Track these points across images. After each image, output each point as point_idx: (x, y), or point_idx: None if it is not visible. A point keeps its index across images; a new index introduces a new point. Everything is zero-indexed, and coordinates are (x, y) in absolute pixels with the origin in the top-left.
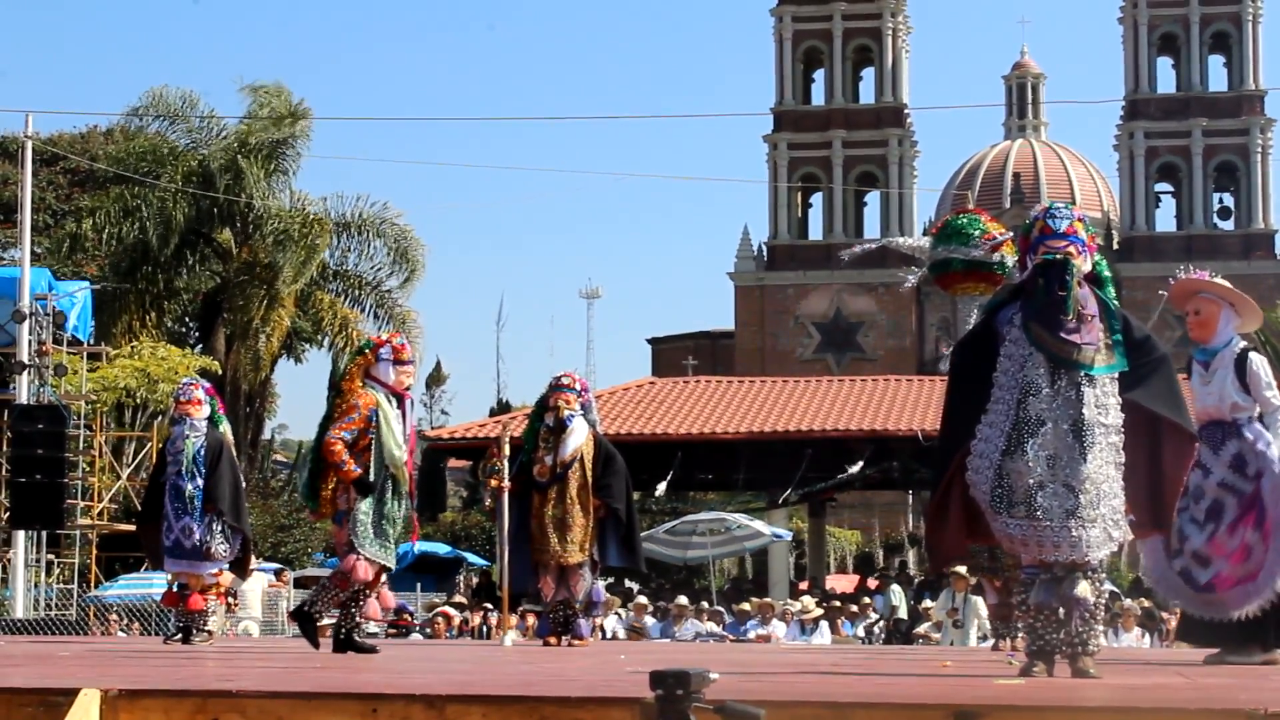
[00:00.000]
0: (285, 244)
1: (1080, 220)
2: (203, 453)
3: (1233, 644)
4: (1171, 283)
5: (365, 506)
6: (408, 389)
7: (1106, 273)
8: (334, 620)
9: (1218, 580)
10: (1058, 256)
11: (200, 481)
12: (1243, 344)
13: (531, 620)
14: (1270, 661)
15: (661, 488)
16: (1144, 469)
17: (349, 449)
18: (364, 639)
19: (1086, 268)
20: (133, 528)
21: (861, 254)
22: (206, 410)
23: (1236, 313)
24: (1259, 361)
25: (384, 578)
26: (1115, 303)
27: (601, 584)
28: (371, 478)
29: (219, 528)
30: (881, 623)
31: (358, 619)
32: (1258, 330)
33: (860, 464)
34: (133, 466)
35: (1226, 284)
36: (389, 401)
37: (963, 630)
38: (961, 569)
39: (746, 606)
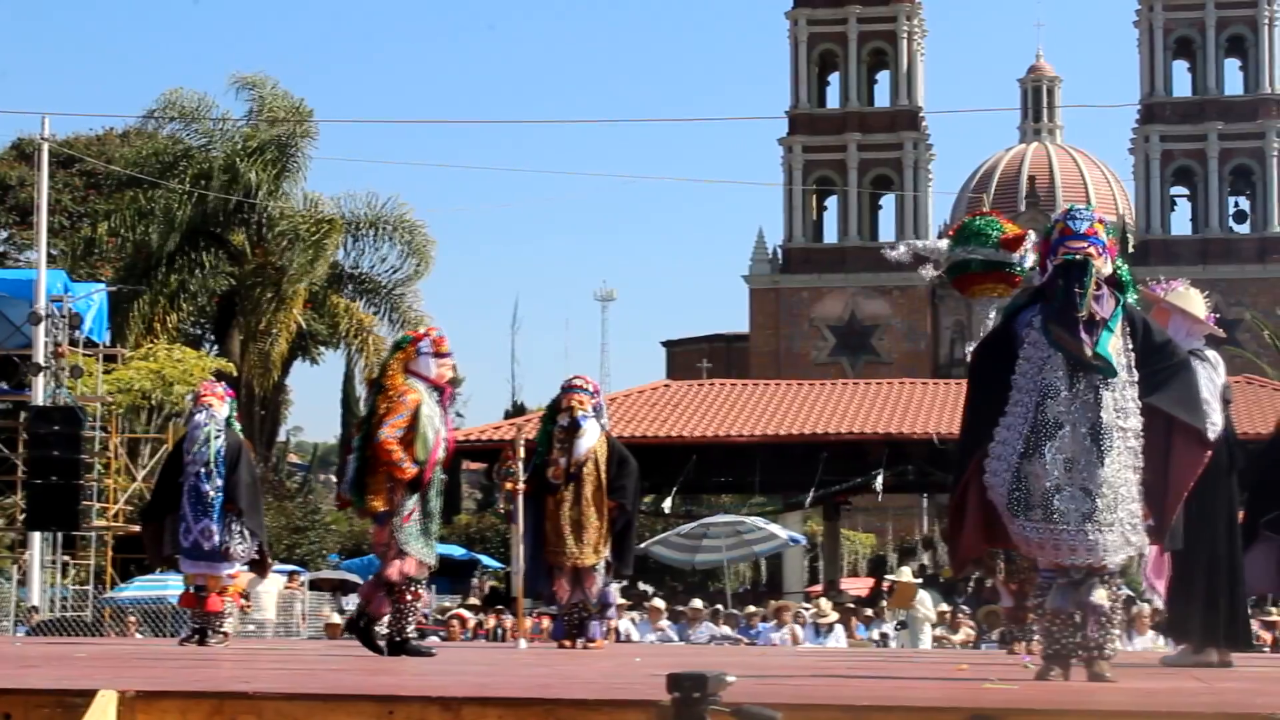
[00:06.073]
0: (294, 244)
1: (1100, 223)
2: (222, 453)
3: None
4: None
5: (410, 505)
6: (449, 382)
7: (1127, 276)
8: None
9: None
10: (1077, 257)
11: (220, 482)
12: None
13: (546, 623)
14: (1225, 663)
15: (668, 504)
16: (1155, 473)
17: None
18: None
19: (1107, 270)
20: None
21: (908, 252)
22: (227, 409)
23: (1187, 316)
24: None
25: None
26: (1136, 306)
27: (615, 586)
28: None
29: (237, 528)
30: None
31: (410, 622)
32: (1270, 333)
33: (880, 471)
34: (148, 468)
35: (1173, 296)
36: (430, 396)
37: (911, 634)
38: (906, 576)
39: (758, 609)
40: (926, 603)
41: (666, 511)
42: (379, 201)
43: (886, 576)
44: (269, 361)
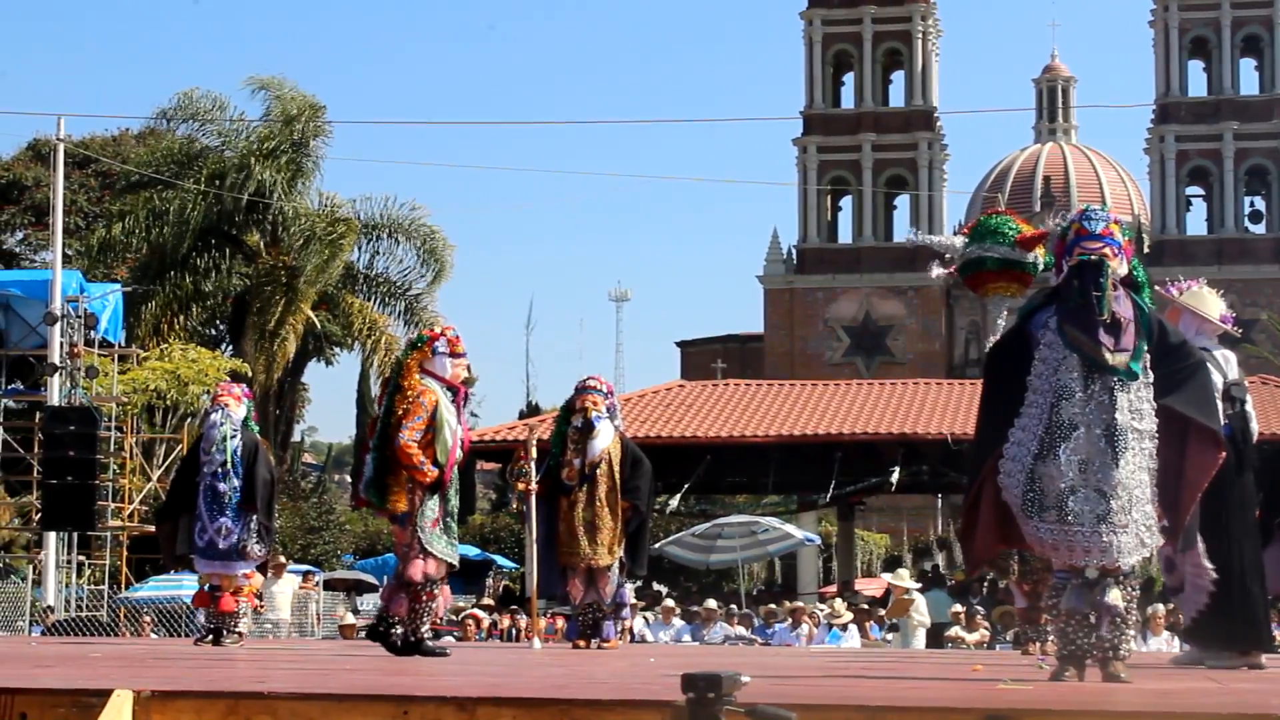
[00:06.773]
0: (310, 244)
1: (1116, 223)
2: (239, 453)
3: (1212, 645)
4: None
5: (432, 505)
6: (464, 382)
7: (1143, 277)
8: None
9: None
10: (1093, 258)
11: (237, 481)
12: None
13: (561, 623)
14: (1254, 665)
15: (674, 502)
16: (1170, 473)
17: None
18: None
19: (1123, 270)
20: None
21: (918, 238)
22: (244, 410)
23: (1196, 315)
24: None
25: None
26: (1151, 307)
27: (629, 586)
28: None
29: (254, 527)
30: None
31: (426, 622)
32: None
33: (896, 470)
34: (163, 468)
35: (1187, 295)
36: (445, 395)
37: (903, 639)
38: (904, 582)
39: (774, 608)
40: (922, 609)
41: (670, 511)
42: (396, 204)
43: (883, 575)
44: (273, 361)
